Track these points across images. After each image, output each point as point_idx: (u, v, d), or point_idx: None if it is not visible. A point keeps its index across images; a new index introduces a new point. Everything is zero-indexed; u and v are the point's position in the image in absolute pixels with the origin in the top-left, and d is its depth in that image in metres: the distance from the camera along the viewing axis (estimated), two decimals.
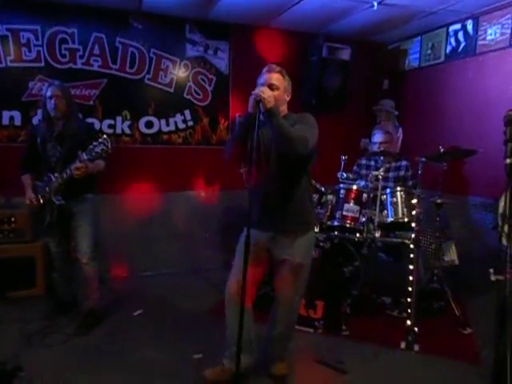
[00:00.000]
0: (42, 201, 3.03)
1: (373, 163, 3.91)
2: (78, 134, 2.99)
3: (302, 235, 2.39)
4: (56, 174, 2.96)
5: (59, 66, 3.94)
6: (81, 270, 3.13)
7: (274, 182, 2.34)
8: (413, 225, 3.22)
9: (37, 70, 3.88)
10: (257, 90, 2.16)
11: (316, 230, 3.32)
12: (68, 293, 3.41)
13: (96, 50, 4.05)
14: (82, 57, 4.01)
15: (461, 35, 4.22)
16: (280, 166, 2.32)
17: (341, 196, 3.44)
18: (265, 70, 2.37)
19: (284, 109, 2.39)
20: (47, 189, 3.00)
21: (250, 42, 4.54)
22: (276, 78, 2.32)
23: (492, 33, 3.89)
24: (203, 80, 4.47)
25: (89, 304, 3.20)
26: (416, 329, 3.00)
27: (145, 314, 3.43)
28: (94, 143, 2.77)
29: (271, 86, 2.27)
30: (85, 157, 2.79)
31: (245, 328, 2.10)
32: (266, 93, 2.14)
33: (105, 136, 2.82)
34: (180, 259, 4.47)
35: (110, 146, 2.79)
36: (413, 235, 3.20)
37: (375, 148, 3.76)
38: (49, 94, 2.99)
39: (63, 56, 3.95)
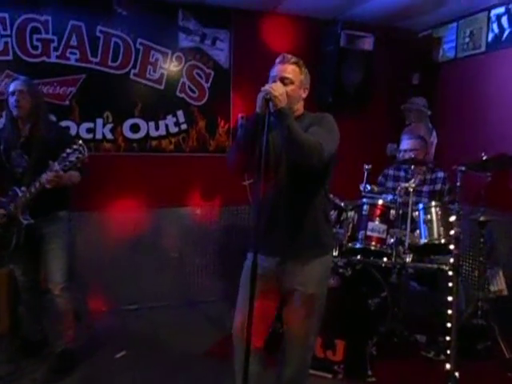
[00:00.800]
0: (6, 219, 3.02)
1: (402, 174, 3.91)
2: (49, 140, 3.00)
3: (315, 261, 2.37)
4: (23, 188, 2.95)
5: (30, 60, 3.96)
6: (52, 303, 3.13)
7: (283, 197, 2.33)
8: (451, 247, 3.20)
9: (4, 65, 3.89)
10: (266, 86, 2.16)
11: (334, 253, 3.32)
12: (37, 330, 3.39)
13: (73, 41, 4.06)
14: (56, 49, 4.02)
15: (505, 20, 4.21)
16: (291, 178, 2.30)
17: (364, 213, 3.46)
18: (278, 60, 2.37)
19: (299, 107, 2.39)
20: (12, 206, 2.99)
21: (254, 31, 4.57)
22: (290, 70, 2.32)
23: None
24: (199, 75, 4.49)
25: (62, 344, 3.19)
26: (457, 374, 2.94)
27: (129, 356, 3.42)
28: (68, 150, 2.78)
29: (284, 80, 2.27)
30: (57, 167, 2.79)
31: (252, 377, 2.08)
32: (277, 89, 2.14)
33: (80, 142, 2.83)
34: (172, 290, 4.46)
35: (86, 154, 2.81)
36: (451, 260, 3.16)
37: (403, 156, 3.76)
38: (11, 89, 3.02)
39: (35, 48, 3.97)
